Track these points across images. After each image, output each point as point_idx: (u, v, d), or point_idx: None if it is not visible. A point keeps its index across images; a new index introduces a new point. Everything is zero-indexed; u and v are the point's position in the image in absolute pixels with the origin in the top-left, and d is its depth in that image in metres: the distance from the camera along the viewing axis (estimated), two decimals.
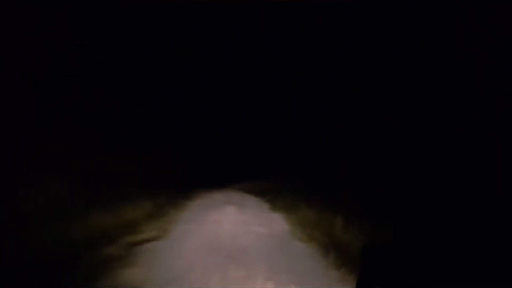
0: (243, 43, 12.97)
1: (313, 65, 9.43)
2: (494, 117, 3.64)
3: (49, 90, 6.23)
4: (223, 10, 10.84)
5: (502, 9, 3.70)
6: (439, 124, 4.42)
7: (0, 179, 4.79)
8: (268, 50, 12.40)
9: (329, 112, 8.51)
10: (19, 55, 5.50)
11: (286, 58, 11.46)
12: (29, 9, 5.77)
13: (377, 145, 5.91)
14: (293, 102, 11.67)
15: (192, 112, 16.06)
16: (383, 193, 5.20)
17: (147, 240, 5.54)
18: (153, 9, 9.54)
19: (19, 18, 5.61)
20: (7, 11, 5.39)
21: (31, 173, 5.29)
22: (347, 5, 6.87)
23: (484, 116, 3.74)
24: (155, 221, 6.93)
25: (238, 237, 5.80)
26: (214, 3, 10.42)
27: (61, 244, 4.60)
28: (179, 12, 10.42)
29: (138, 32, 9.60)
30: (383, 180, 5.44)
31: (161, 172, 11.09)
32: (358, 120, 6.85)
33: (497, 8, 3.74)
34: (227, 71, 14.90)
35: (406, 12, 5.29)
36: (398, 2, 5.51)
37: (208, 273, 4.11)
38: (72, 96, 6.85)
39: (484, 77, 3.85)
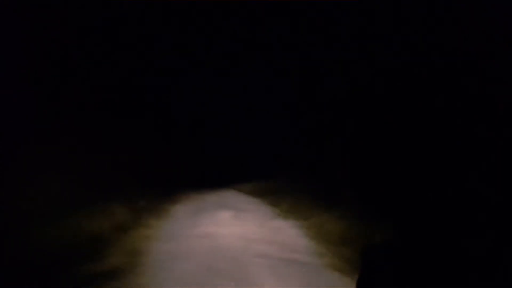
0: (243, 43, 12.98)
1: (313, 65, 9.44)
2: (494, 117, 3.64)
3: (49, 90, 6.24)
4: (223, 10, 10.85)
5: (502, 9, 3.70)
6: (439, 124, 4.42)
7: None
8: (268, 50, 12.40)
9: (329, 112, 8.51)
10: (19, 55, 5.50)
11: (286, 58, 11.47)
12: (29, 9, 5.77)
13: (377, 145, 5.91)
14: (293, 102, 11.68)
15: (191, 111, 16.09)
16: (383, 193, 5.20)
17: (105, 274, 3.78)
18: (153, 9, 9.56)
19: (19, 18, 5.61)
20: (7, 11, 5.39)
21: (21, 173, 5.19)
22: (347, 5, 6.88)
23: (484, 116, 3.74)
24: (123, 238, 5.11)
25: (238, 266, 4.12)
26: (214, 3, 10.43)
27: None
28: (179, 12, 10.43)
29: (138, 32, 9.61)
30: (383, 180, 5.44)
31: (147, 170, 9.96)
32: (358, 120, 6.85)
33: (497, 8, 3.75)
34: (227, 71, 14.92)
35: (406, 12, 5.29)
36: (398, 2, 5.51)
37: None
38: (69, 96, 6.84)
39: (484, 77, 3.85)
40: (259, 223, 6.25)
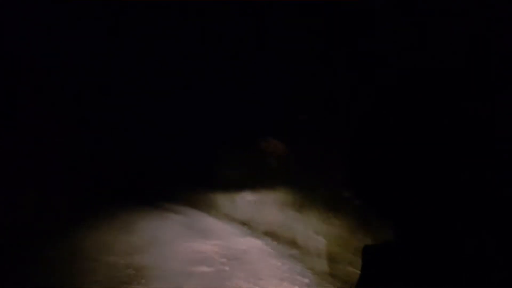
0: (238, 44, 12.94)
1: (311, 63, 9.43)
2: (494, 117, 3.64)
3: None
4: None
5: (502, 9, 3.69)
6: (440, 123, 4.41)
7: None
8: (265, 48, 12.36)
9: (328, 111, 8.50)
10: None
11: (284, 56, 11.43)
12: None
13: (377, 144, 5.90)
14: (293, 99, 11.63)
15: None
16: (383, 193, 5.20)
17: None
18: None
19: None
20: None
21: None
22: (347, 5, 6.85)
23: (485, 116, 3.74)
24: None
25: None
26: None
27: None
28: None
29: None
30: (383, 180, 5.43)
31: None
32: (357, 119, 6.84)
33: (497, 8, 3.74)
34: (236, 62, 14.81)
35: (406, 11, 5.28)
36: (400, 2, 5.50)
37: None
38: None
39: (484, 77, 3.85)
40: None
